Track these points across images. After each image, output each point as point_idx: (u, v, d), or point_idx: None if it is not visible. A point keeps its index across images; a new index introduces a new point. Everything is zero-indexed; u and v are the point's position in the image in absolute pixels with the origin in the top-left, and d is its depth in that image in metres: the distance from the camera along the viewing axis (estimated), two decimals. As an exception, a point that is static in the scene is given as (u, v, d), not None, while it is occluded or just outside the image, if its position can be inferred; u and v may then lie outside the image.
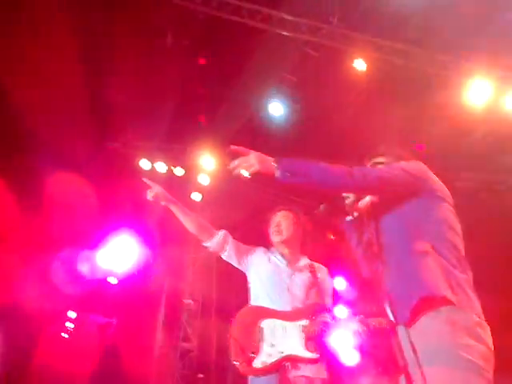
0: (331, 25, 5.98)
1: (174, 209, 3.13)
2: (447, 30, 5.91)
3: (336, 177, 1.99)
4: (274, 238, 3.22)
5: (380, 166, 2.23)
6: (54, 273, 6.99)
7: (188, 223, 3.13)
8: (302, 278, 3.08)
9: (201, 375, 7.22)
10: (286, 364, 2.76)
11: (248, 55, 6.41)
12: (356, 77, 6.24)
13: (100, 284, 7.72)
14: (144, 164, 7.17)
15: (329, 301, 3.09)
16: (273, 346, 2.78)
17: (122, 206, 6.94)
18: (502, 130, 6.45)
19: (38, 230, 6.37)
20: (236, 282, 4.39)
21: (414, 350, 1.64)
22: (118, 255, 7.08)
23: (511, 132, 6.37)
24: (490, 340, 1.77)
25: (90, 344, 8.23)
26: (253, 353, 2.77)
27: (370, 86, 6.53)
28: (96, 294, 8.08)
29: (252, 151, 2.03)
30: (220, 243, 3.15)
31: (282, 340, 2.80)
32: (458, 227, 2.04)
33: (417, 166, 2.12)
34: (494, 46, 5.73)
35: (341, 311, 6.31)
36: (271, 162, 1.96)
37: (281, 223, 3.21)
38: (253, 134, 7.16)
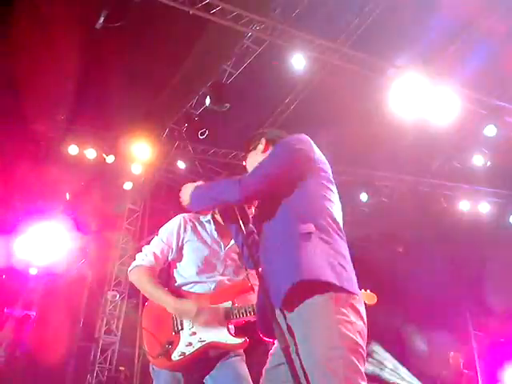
0: (273, 19, 5.95)
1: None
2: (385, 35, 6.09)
3: (220, 192, 2.02)
4: None
5: (262, 155, 2.14)
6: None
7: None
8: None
9: (122, 368, 6.97)
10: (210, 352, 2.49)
11: (188, 45, 6.24)
12: (294, 74, 6.25)
13: (19, 274, 7.26)
14: (72, 149, 6.83)
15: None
16: (194, 334, 2.50)
17: (45, 192, 6.55)
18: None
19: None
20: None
21: (292, 333, 1.60)
22: (39, 244, 6.67)
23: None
24: (365, 315, 1.78)
25: (5, 338, 7.73)
26: (169, 344, 2.48)
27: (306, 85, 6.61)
28: (15, 286, 7.60)
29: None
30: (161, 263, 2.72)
31: (203, 326, 2.50)
32: (336, 197, 2.01)
33: (301, 140, 2.02)
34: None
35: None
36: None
37: None
38: (190, 124, 7.03)
